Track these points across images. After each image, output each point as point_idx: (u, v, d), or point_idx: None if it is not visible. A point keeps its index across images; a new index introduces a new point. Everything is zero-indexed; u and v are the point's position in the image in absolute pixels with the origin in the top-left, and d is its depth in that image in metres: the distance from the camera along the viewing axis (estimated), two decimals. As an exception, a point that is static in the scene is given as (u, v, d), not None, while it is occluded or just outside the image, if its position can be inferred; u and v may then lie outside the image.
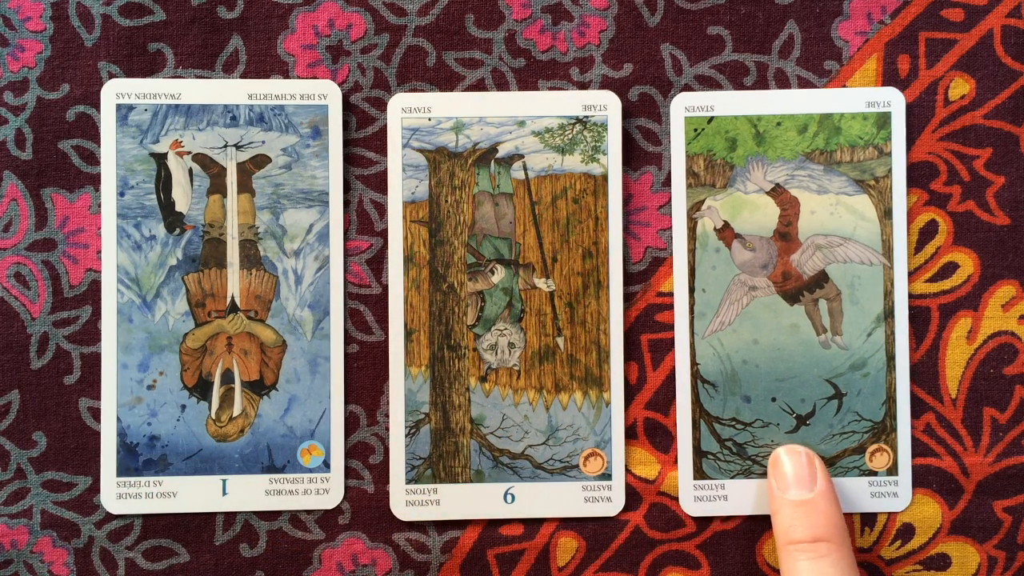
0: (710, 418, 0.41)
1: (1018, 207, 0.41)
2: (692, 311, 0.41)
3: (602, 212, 0.41)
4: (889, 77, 0.41)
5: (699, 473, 0.41)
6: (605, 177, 0.41)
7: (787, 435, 0.41)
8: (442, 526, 0.41)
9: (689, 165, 0.41)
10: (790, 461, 0.39)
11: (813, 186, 0.41)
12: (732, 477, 0.41)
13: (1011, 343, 0.41)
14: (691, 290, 0.41)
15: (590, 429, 0.40)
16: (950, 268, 0.41)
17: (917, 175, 0.41)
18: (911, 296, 0.41)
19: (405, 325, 0.40)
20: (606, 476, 0.40)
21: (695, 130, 0.41)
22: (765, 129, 0.41)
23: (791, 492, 0.38)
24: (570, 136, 0.40)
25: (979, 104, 0.41)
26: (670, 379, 0.41)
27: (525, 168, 0.41)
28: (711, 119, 0.41)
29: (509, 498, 0.40)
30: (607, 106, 0.40)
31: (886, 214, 0.41)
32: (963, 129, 0.41)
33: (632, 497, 0.41)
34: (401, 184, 0.40)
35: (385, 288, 0.41)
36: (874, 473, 0.41)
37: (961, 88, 0.41)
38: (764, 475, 0.40)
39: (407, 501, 0.40)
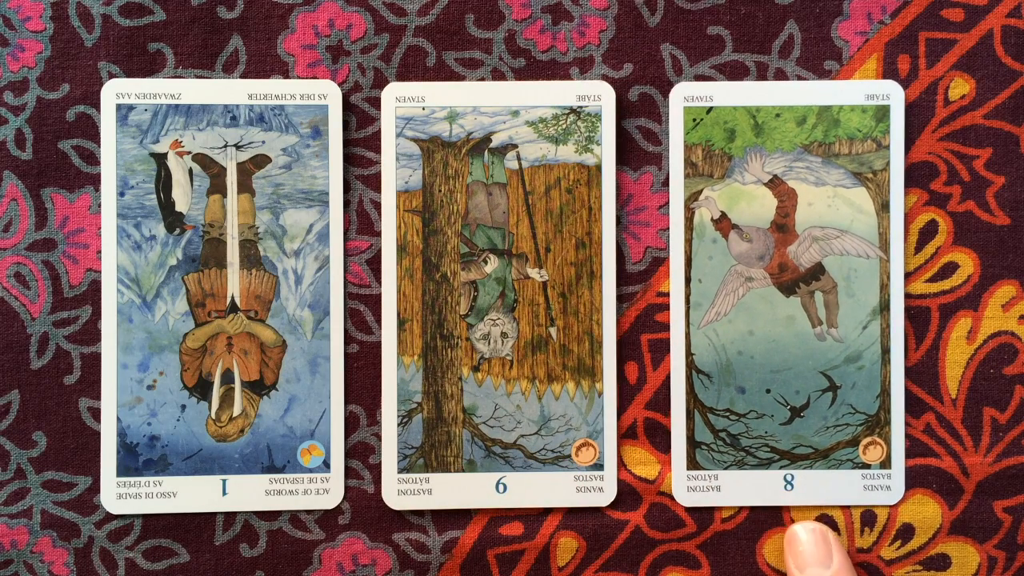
0: (704, 409, 0.41)
1: (1018, 207, 0.41)
2: (688, 301, 0.41)
3: (595, 202, 0.41)
4: (889, 77, 0.41)
5: (692, 463, 0.41)
6: (599, 167, 0.41)
7: (781, 426, 0.41)
8: (442, 526, 0.41)
9: (687, 155, 0.41)
10: (807, 539, 0.39)
11: (811, 178, 0.41)
12: (726, 468, 0.41)
13: (1011, 343, 0.41)
14: (687, 280, 0.41)
15: (582, 419, 0.41)
16: (950, 268, 0.41)
17: (917, 175, 0.41)
18: (911, 296, 0.41)
19: (398, 314, 0.40)
20: (598, 466, 0.41)
21: (694, 120, 0.41)
22: (764, 120, 0.41)
23: (809, 571, 0.39)
24: (564, 126, 0.40)
25: (979, 104, 0.41)
26: (670, 379, 0.41)
27: (519, 158, 0.41)
28: (710, 109, 0.41)
29: (501, 488, 0.40)
30: (601, 96, 0.40)
31: (883, 207, 0.41)
32: (963, 129, 0.41)
33: (632, 497, 0.41)
34: (395, 173, 0.40)
35: (385, 288, 0.41)
36: (867, 466, 0.41)
37: (961, 88, 0.41)
38: (757, 466, 0.40)
39: (399, 490, 0.40)
